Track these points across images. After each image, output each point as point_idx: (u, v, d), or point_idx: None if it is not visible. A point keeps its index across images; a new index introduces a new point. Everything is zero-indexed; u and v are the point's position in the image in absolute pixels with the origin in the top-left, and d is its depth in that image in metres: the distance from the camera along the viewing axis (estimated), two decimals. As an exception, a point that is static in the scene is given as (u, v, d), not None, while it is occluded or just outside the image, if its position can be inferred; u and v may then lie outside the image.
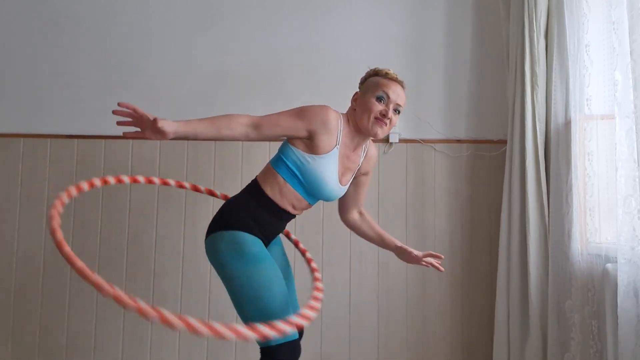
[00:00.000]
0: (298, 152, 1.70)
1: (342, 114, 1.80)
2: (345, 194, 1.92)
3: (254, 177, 1.83)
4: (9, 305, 2.60)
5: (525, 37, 2.38)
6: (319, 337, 2.61)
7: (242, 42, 2.74)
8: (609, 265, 1.88)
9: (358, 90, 1.83)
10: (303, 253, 2.00)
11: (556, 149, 2.27)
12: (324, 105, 1.71)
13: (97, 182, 1.66)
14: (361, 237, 2.04)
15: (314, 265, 1.88)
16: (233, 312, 2.58)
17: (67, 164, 2.65)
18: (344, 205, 2.00)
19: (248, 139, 1.64)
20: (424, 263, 1.89)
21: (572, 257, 2.10)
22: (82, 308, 2.60)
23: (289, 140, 1.74)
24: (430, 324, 2.63)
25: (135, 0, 2.75)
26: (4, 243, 2.62)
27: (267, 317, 1.57)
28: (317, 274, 1.76)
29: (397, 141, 2.67)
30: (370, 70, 1.84)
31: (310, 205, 1.82)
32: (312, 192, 1.74)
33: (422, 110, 2.72)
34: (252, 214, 1.70)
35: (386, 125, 1.73)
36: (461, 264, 2.66)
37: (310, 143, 1.69)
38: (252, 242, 1.66)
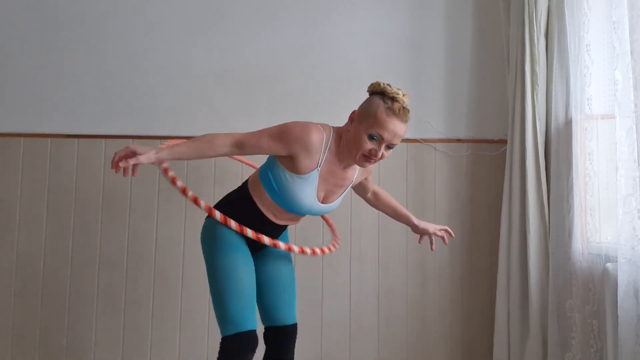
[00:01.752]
0: (281, 168, 1.67)
1: (335, 128, 1.68)
2: (357, 187, 1.93)
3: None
4: (9, 306, 2.60)
5: (525, 36, 2.38)
6: (319, 337, 2.60)
7: (242, 42, 2.73)
8: (609, 265, 1.88)
9: (360, 106, 1.65)
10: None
11: (557, 149, 2.27)
12: (306, 127, 1.60)
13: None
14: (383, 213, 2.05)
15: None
16: (233, 312, 2.59)
17: (67, 163, 2.65)
18: (358, 193, 2.01)
19: (233, 155, 1.67)
20: (435, 236, 1.92)
21: (572, 256, 2.10)
22: (82, 308, 2.60)
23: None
24: (430, 324, 2.63)
25: (135, 0, 2.75)
26: (4, 243, 2.62)
27: (222, 307, 1.63)
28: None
29: (397, 141, 2.67)
30: (379, 85, 1.62)
31: (294, 215, 1.76)
32: (289, 207, 1.72)
33: (423, 109, 2.72)
34: (236, 214, 1.70)
35: (375, 161, 1.63)
36: (461, 263, 2.66)
37: (292, 162, 1.65)
38: (227, 231, 1.69)
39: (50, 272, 2.61)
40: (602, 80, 2.03)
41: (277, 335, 1.81)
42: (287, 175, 1.66)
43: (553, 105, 2.31)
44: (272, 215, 1.74)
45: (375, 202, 2.00)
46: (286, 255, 1.90)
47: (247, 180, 1.81)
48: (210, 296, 1.71)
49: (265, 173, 1.72)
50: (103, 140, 2.67)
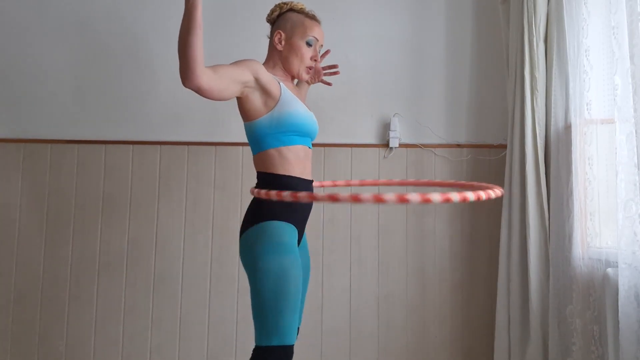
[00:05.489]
0: (263, 119, 1.65)
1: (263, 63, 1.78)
2: None
3: (255, 175, 1.78)
4: (8, 312, 2.59)
5: (524, 41, 2.38)
6: (319, 342, 2.59)
7: (243, 46, 2.74)
8: (609, 270, 1.87)
9: (278, 29, 1.78)
10: None
11: (556, 153, 2.27)
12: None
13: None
14: None
15: None
16: (233, 315, 2.59)
17: (67, 169, 2.65)
18: None
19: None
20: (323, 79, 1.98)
21: (572, 261, 2.09)
22: (81, 314, 2.59)
23: (247, 120, 1.69)
24: (430, 329, 2.63)
25: (136, 2, 2.76)
26: (3, 248, 2.62)
27: (271, 317, 1.51)
28: None
29: (397, 146, 2.67)
30: (283, 4, 1.80)
31: (310, 149, 1.75)
32: (302, 130, 1.68)
33: (422, 114, 2.72)
34: (277, 205, 1.62)
35: (314, 69, 1.81)
36: (461, 268, 2.65)
37: (262, 92, 1.64)
38: (280, 233, 1.58)
39: (49, 278, 2.61)
40: (601, 85, 2.03)
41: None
42: (274, 113, 1.64)
43: (552, 110, 2.31)
44: (301, 167, 1.69)
45: None
46: (308, 255, 1.84)
47: (258, 173, 1.71)
48: (251, 302, 1.57)
49: (260, 143, 1.67)
50: (103, 146, 2.67)
